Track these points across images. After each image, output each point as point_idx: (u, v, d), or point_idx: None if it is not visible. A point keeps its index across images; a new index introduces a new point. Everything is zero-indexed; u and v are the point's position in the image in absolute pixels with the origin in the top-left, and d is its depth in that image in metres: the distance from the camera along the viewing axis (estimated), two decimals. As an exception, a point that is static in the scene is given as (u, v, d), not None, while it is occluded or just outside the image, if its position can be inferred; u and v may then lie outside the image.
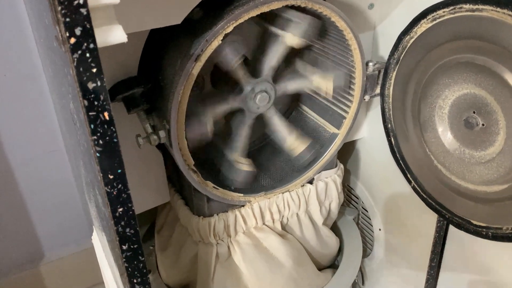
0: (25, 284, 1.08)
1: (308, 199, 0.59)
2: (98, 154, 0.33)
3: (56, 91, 0.66)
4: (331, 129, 0.58)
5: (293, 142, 0.55)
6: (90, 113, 0.32)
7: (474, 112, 0.47)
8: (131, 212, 0.36)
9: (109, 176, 0.34)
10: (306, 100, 0.63)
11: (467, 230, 0.50)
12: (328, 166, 0.60)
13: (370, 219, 0.73)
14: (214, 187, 0.52)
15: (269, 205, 0.57)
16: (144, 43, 0.46)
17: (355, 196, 0.76)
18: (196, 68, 0.43)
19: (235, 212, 0.55)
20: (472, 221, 0.49)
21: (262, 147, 0.64)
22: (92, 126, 0.32)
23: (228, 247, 0.56)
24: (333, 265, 0.69)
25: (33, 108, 0.93)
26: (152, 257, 0.67)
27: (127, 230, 0.37)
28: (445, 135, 0.51)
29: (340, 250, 0.69)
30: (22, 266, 1.07)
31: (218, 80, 0.60)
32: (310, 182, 0.60)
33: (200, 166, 0.51)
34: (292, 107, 0.63)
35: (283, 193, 0.58)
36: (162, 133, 0.46)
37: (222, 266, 0.56)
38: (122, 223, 0.36)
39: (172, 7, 0.42)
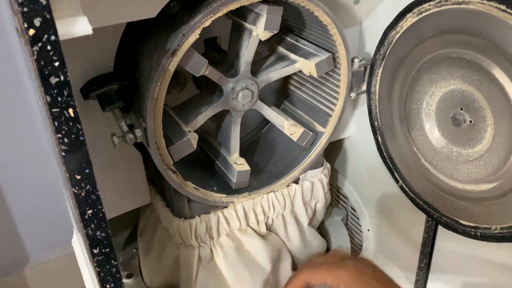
0: (9, 289, 1.06)
1: (294, 200, 0.57)
2: (63, 153, 0.31)
3: (33, 88, 0.64)
4: (317, 127, 0.57)
5: (290, 127, 0.54)
6: (54, 110, 0.30)
7: (461, 109, 0.46)
8: (101, 215, 0.35)
9: (76, 176, 0.33)
10: (291, 98, 0.61)
11: (456, 230, 0.49)
12: (314, 166, 0.58)
13: (358, 219, 0.72)
14: (194, 187, 0.50)
15: (253, 206, 0.55)
16: (120, 38, 0.44)
17: (344, 196, 0.74)
18: (173, 64, 0.41)
19: (217, 213, 0.53)
20: (460, 221, 0.48)
21: (246, 147, 0.62)
22: (56, 123, 0.30)
23: (211, 250, 0.54)
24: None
25: (14, 108, 0.91)
26: (135, 260, 0.65)
27: (98, 233, 0.35)
28: (433, 133, 0.49)
29: (328, 251, 0.67)
30: (6, 270, 1.05)
31: (201, 82, 0.59)
32: (296, 182, 0.58)
33: (180, 165, 0.49)
34: (277, 105, 0.62)
35: (267, 193, 0.56)
36: (138, 132, 0.44)
37: (204, 269, 0.54)
38: (92, 225, 0.35)
39: (146, 0, 0.40)
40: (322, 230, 0.69)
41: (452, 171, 0.48)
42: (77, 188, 0.33)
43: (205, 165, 0.58)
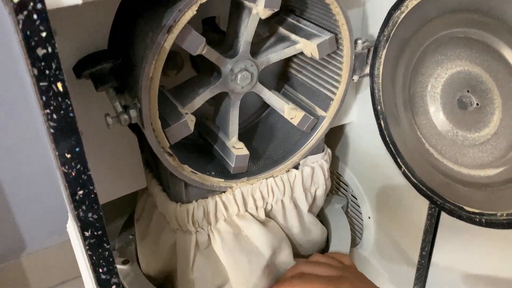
0: (6, 276, 1.05)
1: (293, 185, 0.56)
2: (52, 131, 0.30)
3: (23, 64, 0.62)
4: (318, 111, 0.55)
5: (290, 111, 0.52)
6: (41, 84, 0.28)
7: (468, 91, 0.44)
8: (93, 196, 0.33)
9: (66, 155, 0.31)
10: (291, 82, 0.60)
11: (460, 217, 0.47)
12: (315, 151, 0.57)
13: (359, 207, 0.71)
14: (192, 171, 0.49)
15: (252, 192, 0.54)
16: (114, 14, 0.42)
17: (344, 184, 0.73)
18: (169, 41, 0.40)
19: (215, 198, 0.52)
20: (465, 207, 0.47)
21: (245, 133, 0.61)
22: (44, 98, 0.29)
23: (208, 235, 0.53)
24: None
25: (7, 93, 0.89)
26: (131, 246, 0.64)
27: (89, 215, 0.34)
28: (437, 117, 0.48)
29: (328, 240, 0.66)
30: (2, 258, 1.04)
31: (199, 63, 0.57)
32: (296, 167, 0.57)
33: (177, 148, 0.48)
34: (277, 89, 0.60)
35: (266, 178, 0.55)
36: (133, 113, 0.42)
37: (202, 255, 0.53)
38: (83, 207, 0.33)
39: (141, -27, 0.39)
40: (322, 218, 0.68)
41: (457, 156, 0.46)
42: (67, 167, 0.31)
43: (203, 150, 0.56)
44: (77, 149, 0.31)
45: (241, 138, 0.53)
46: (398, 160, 0.53)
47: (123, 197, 0.65)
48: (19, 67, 0.89)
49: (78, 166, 0.32)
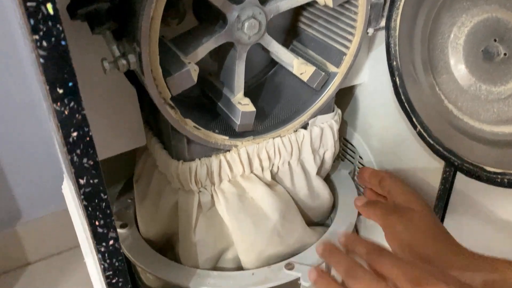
0: (2, 245, 1.03)
1: (301, 146, 0.53)
2: (42, 60, 0.27)
3: (21, 26, 0.59)
4: (330, 67, 0.52)
5: (300, 66, 0.49)
6: (29, 4, 0.25)
7: (495, 40, 0.41)
8: (88, 139, 0.30)
9: (58, 90, 0.28)
10: (301, 37, 0.56)
11: (479, 178, 0.45)
12: (325, 110, 0.54)
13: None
14: (195, 126, 0.46)
15: (258, 151, 0.51)
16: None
17: (351, 150, 0.70)
18: (171, -24, 0.36)
19: (219, 157, 0.49)
20: (485, 167, 0.44)
21: (250, 92, 0.57)
22: (32, 21, 0.25)
23: (212, 196, 0.50)
24: (326, 225, 0.64)
25: (2, 58, 0.86)
26: (130, 210, 0.61)
27: (84, 160, 0.31)
28: (459, 70, 0.45)
29: (334, 207, 0.64)
30: (-2, 225, 1.01)
31: (202, 12, 0.53)
32: (304, 127, 0.54)
33: (179, 105, 0.45)
34: (285, 45, 0.57)
35: (273, 138, 0.52)
36: (131, 57, 0.39)
37: (204, 217, 0.50)
38: (78, 151, 0.30)
39: None
40: (328, 184, 0.65)
41: (480, 112, 0.43)
42: (59, 104, 0.28)
43: (206, 109, 0.53)
44: (70, 84, 0.28)
45: (247, 95, 0.50)
46: (414, 119, 0.50)
47: (121, 162, 0.62)
48: (15, 36, 0.86)
49: (72, 103, 0.29)
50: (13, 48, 0.87)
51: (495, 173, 0.43)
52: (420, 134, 0.50)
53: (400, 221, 0.48)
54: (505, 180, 0.42)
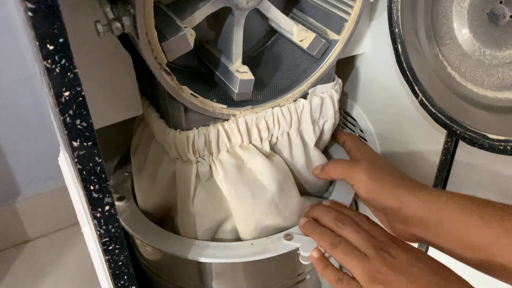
0: (1, 222, 1.03)
1: (301, 116, 0.52)
2: (30, 14, 0.25)
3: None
4: (331, 35, 0.51)
5: (300, 33, 0.48)
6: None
7: (501, 2, 0.39)
8: (81, 99, 0.29)
9: (48, 46, 0.27)
10: (300, 5, 0.55)
11: (482, 146, 0.44)
12: (325, 80, 0.53)
13: (368, 148, 0.67)
14: (192, 94, 0.45)
15: (257, 121, 0.50)
16: None
17: (352, 124, 0.69)
18: None
19: (217, 126, 0.48)
20: (487, 134, 0.43)
21: (249, 61, 0.56)
22: (18, -29, 0.24)
23: (210, 166, 0.49)
24: (324, 198, 0.64)
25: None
26: (127, 183, 0.60)
27: (78, 122, 0.30)
28: (463, 35, 0.43)
29: (332, 182, 0.63)
30: (-4, 202, 1.01)
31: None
32: (304, 97, 0.53)
33: (176, 74, 0.43)
34: (285, 13, 0.55)
35: (272, 107, 0.51)
36: (126, 20, 0.38)
37: (203, 187, 0.50)
38: (71, 112, 0.29)
39: None
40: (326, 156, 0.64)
41: (484, 78, 0.42)
42: (49, 61, 0.27)
43: (204, 79, 0.52)
44: (60, 40, 0.27)
45: (246, 64, 0.49)
46: (416, 88, 0.49)
47: (118, 135, 0.62)
48: (10, 11, 0.84)
49: (63, 61, 0.28)
50: (6, 18, 0.85)
51: (498, 140, 0.42)
52: (422, 103, 0.49)
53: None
54: (508, 148, 0.41)
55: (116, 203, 0.56)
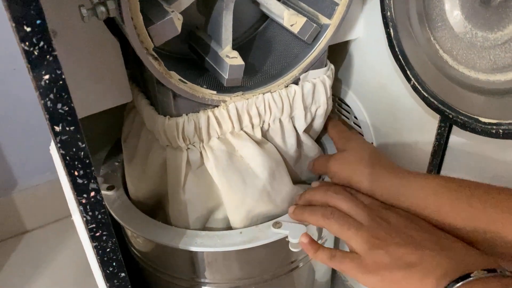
0: (-1, 213, 1.03)
1: (293, 102, 0.52)
2: (4, -6, 0.25)
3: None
4: (322, 19, 0.50)
5: (290, 17, 0.47)
6: None
7: (492, -18, 0.39)
8: (61, 82, 0.29)
9: (25, 28, 0.26)
10: (292, -11, 0.54)
11: (474, 130, 0.44)
12: (317, 65, 0.52)
13: (362, 135, 0.67)
14: (180, 79, 0.44)
15: (248, 107, 0.49)
16: None
17: (346, 111, 0.69)
18: None
19: (207, 113, 0.48)
20: (480, 118, 0.43)
21: (240, 48, 0.56)
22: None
23: (201, 153, 0.49)
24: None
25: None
26: (117, 173, 0.60)
27: (59, 106, 0.29)
28: (455, 17, 0.43)
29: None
30: (-7, 193, 1.01)
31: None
32: (296, 83, 0.52)
33: (166, 61, 0.43)
34: (276, -3, 0.54)
35: (264, 93, 0.50)
36: (111, 4, 0.37)
37: (193, 174, 0.49)
38: (51, 96, 0.29)
39: None
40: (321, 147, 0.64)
41: (475, 60, 0.42)
42: (27, 44, 0.27)
43: (195, 65, 0.52)
44: (38, 22, 0.26)
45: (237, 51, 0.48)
46: (408, 72, 0.49)
47: (109, 123, 0.61)
48: None
49: (41, 43, 0.27)
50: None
51: (490, 123, 0.42)
52: (414, 88, 0.49)
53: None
54: (500, 131, 0.41)
55: (106, 192, 0.56)
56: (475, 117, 0.43)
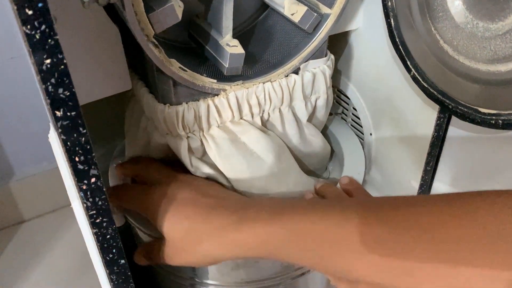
0: (-4, 202, 1.03)
1: (293, 92, 0.52)
2: (6, -24, 0.25)
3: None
4: (323, 9, 0.50)
5: (291, 6, 0.47)
6: None
7: (494, -28, 0.39)
8: (62, 67, 0.29)
9: (27, 11, 0.26)
10: (293, -22, 0.54)
11: (473, 121, 0.44)
12: (317, 55, 0.52)
13: (362, 127, 0.67)
14: (180, 67, 0.44)
15: (248, 96, 0.49)
16: None
17: (345, 102, 0.69)
18: None
19: (207, 101, 0.48)
20: (479, 109, 0.43)
21: (240, 37, 0.55)
22: None
23: (201, 142, 0.49)
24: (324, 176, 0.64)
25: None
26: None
27: (60, 90, 0.29)
28: (456, 7, 0.43)
29: (331, 159, 0.63)
30: (-10, 182, 1.01)
31: None
32: (296, 72, 0.52)
33: (166, 49, 0.43)
34: (276, -13, 0.54)
35: (264, 83, 0.50)
36: (111, -11, 0.37)
37: (199, 159, 0.49)
38: (53, 80, 0.29)
39: None
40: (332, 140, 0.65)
41: (476, 51, 0.42)
42: (29, 27, 0.27)
43: (195, 54, 0.51)
44: (40, 4, 0.26)
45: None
46: (408, 62, 0.49)
47: (112, 121, 0.61)
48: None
49: (43, 27, 0.27)
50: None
51: (489, 114, 0.42)
52: (414, 78, 0.49)
53: None
54: (500, 121, 0.41)
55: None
56: (475, 107, 0.43)
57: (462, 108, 0.44)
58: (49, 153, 1.02)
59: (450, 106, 0.46)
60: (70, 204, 0.78)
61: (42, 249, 1.01)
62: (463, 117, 0.45)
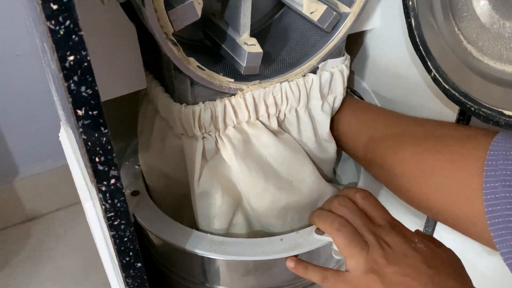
0: (1, 201, 1.02)
1: (310, 92, 0.51)
2: (32, -31, 0.24)
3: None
4: (342, 7, 0.49)
5: (310, 4, 0.46)
6: None
7: (523, -29, 0.38)
8: (86, 64, 0.28)
9: (52, 5, 0.25)
10: (310, -24, 0.53)
11: (497, 123, 0.43)
12: (335, 55, 0.51)
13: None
14: (198, 66, 0.43)
15: (264, 96, 0.48)
16: None
17: (358, 102, 0.68)
18: None
19: (224, 101, 0.47)
20: (504, 111, 0.42)
21: (256, 35, 0.54)
22: None
23: (215, 143, 0.48)
24: (333, 181, 0.63)
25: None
26: (140, 179, 0.58)
27: (83, 89, 0.28)
28: (482, 7, 0.42)
29: (338, 162, 0.62)
30: (-5, 181, 1.00)
31: None
32: (313, 72, 0.51)
33: (182, 44, 0.42)
34: (293, -15, 0.53)
35: (281, 82, 0.49)
36: (131, -15, 0.36)
37: (209, 165, 0.48)
38: (75, 78, 0.28)
39: None
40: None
41: (502, 52, 0.41)
42: (53, 23, 0.26)
43: (211, 53, 0.50)
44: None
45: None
46: (429, 63, 0.48)
47: (123, 119, 0.60)
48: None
49: (67, 22, 0.26)
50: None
51: (514, 117, 0.41)
52: (435, 79, 0.48)
53: None
54: (525, 124, 0.40)
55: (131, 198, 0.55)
56: (499, 109, 0.42)
57: (485, 110, 0.43)
58: (53, 151, 1.01)
59: (473, 108, 0.45)
60: (75, 203, 0.76)
61: (47, 248, 1.00)
62: (486, 119, 0.44)
